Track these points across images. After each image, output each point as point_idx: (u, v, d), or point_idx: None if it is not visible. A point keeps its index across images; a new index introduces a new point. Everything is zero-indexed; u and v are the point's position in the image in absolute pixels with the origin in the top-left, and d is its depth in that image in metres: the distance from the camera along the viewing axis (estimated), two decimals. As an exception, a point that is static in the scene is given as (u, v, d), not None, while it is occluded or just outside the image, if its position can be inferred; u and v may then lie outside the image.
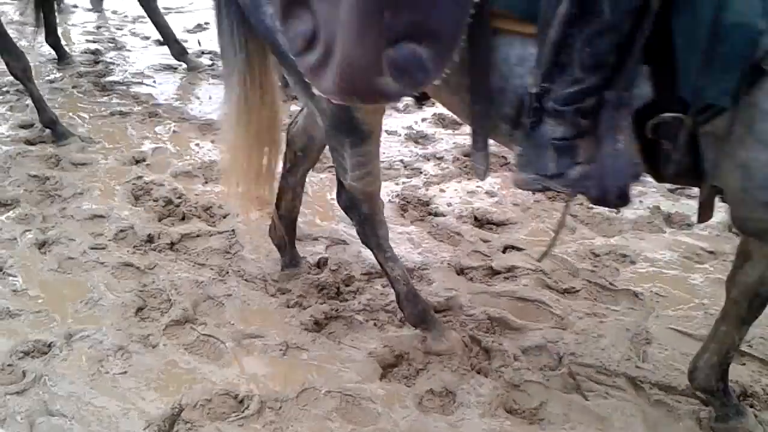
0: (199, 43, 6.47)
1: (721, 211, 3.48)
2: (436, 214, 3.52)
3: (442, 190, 3.76)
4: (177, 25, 6.42)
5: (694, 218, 3.38)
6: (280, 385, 2.42)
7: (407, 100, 5.07)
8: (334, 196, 3.66)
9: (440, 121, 4.73)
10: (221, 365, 2.53)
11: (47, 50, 6.14)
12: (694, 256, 3.14)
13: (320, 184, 3.85)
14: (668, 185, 3.72)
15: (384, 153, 4.23)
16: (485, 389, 2.38)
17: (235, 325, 2.72)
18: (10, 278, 3.01)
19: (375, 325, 2.72)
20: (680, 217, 3.44)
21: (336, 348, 2.60)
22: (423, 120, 4.75)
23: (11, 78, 5.45)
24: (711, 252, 3.15)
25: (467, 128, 4.54)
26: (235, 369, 2.50)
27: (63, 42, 6.03)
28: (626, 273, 3.02)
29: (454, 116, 4.69)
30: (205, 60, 6.03)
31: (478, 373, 2.46)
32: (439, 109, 4.90)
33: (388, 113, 4.83)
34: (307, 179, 3.85)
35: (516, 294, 2.88)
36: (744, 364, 2.49)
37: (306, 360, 2.54)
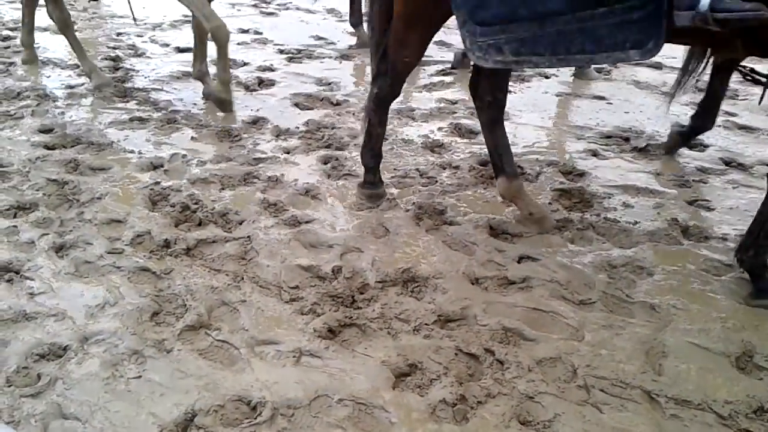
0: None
1: (739, 224, 3.46)
2: (451, 223, 3.51)
3: (457, 199, 3.75)
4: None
5: (712, 230, 3.38)
6: (293, 392, 2.41)
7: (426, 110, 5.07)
8: (350, 203, 3.71)
9: (456, 130, 4.73)
10: (235, 371, 2.53)
11: (65, 58, 6.22)
12: (712, 268, 3.11)
13: (336, 191, 3.86)
14: (686, 197, 3.70)
15: (400, 161, 4.24)
16: (499, 400, 2.36)
17: (249, 331, 2.73)
18: (28, 281, 3.03)
19: (389, 333, 2.71)
20: (698, 229, 3.41)
21: (349, 356, 2.60)
22: (439, 129, 4.75)
23: (31, 83, 5.56)
24: (728, 265, 3.11)
25: (483, 137, 4.56)
26: (248, 375, 2.50)
27: (85, 49, 6.10)
28: (643, 285, 2.99)
29: (470, 126, 4.69)
30: None
31: (492, 383, 2.44)
32: (456, 118, 4.91)
33: (404, 122, 4.85)
34: (324, 185, 3.89)
35: (531, 304, 2.86)
36: (761, 379, 2.45)
37: (319, 367, 2.54)
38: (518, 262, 3.19)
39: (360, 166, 4.15)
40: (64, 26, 5.47)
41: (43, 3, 5.44)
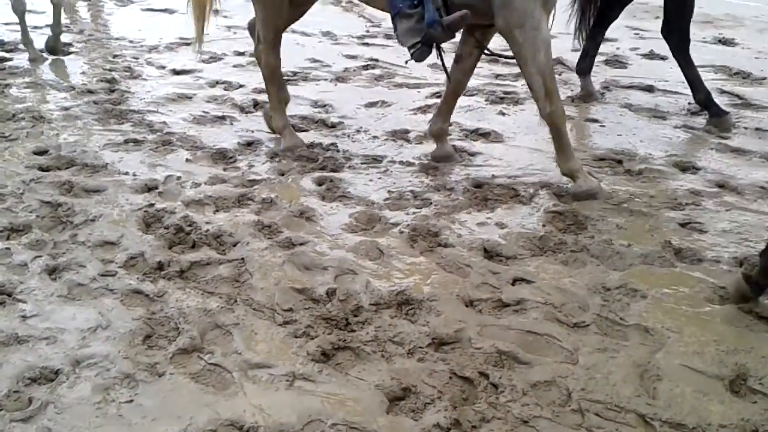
0: None
1: (732, 246, 3.47)
2: (445, 245, 3.51)
3: (452, 222, 3.75)
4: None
5: (705, 253, 3.38)
6: (286, 416, 2.40)
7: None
8: (343, 224, 3.70)
9: (451, 152, 4.74)
10: (227, 395, 2.51)
11: (61, 80, 6.24)
12: (705, 291, 3.11)
13: (330, 213, 3.86)
14: (679, 220, 3.72)
15: (394, 183, 4.25)
16: (493, 424, 2.35)
17: (242, 354, 2.71)
18: (20, 304, 3.01)
19: (383, 356, 2.70)
20: (691, 251, 3.42)
21: (343, 379, 2.58)
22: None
23: (26, 105, 5.57)
24: (722, 287, 3.12)
25: (478, 160, 4.56)
26: (241, 399, 2.48)
27: (81, 71, 6.14)
28: (637, 308, 2.99)
29: (465, 148, 4.70)
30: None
31: (487, 407, 2.43)
32: (450, 140, 4.92)
33: (399, 144, 4.87)
34: (318, 207, 3.89)
35: (525, 327, 2.86)
36: (755, 402, 2.45)
37: (312, 391, 2.53)
38: (512, 284, 3.19)
39: (355, 187, 4.16)
40: (271, 73, 4.89)
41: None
